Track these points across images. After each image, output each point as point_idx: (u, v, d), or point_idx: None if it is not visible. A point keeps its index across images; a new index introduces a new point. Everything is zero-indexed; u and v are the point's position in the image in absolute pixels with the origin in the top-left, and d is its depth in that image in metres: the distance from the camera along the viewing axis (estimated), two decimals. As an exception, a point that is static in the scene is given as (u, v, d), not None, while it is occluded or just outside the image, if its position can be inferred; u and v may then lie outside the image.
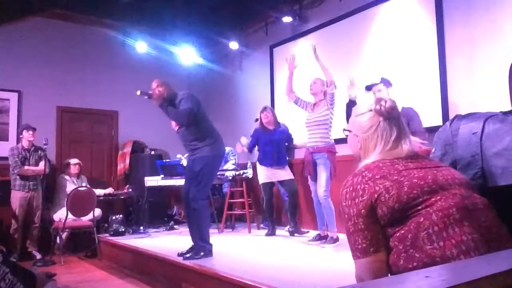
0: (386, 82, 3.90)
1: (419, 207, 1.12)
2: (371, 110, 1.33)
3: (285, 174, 4.96)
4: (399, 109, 3.99)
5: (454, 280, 0.59)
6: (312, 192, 4.41)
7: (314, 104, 4.46)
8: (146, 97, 3.90)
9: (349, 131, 1.41)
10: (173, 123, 4.00)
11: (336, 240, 4.25)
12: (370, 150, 1.32)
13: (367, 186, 1.18)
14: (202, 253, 3.68)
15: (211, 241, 3.86)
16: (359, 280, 1.22)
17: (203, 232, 3.76)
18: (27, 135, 5.31)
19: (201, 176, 3.72)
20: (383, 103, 1.31)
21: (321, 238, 4.41)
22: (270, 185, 5.08)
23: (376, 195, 1.16)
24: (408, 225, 1.11)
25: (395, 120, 1.33)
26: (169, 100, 3.83)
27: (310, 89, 4.46)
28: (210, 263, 3.48)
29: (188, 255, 3.68)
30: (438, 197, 1.13)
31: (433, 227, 1.08)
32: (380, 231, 1.17)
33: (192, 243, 3.78)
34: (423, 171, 1.21)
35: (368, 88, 3.94)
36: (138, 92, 3.89)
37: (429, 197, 1.13)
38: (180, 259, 3.70)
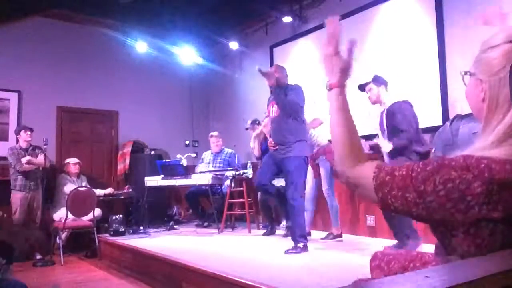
0: (377, 80, 3.88)
1: None
2: (511, 41, 0.86)
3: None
4: (390, 105, 3.82)
5: (454, 280, 0.59)
6: (309, 189, 4.75)
7: None
8: (263, 73, 4.01)
9: (470, 73, 0.94)
10: (272, 109, 4.09)
11: (337, 236, 4.54)
12: (499, 106, 0.85)
13: (473, 202, 0.78)
14: (302, 247, 3.79)
15: (213, 241, 3.88)
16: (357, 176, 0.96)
17: (302, 228, 3.88)
18: (25, 135, 5.32)
19: (293, 177, 3.83)
20: None
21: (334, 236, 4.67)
22: None
23: (471, 230, 0.79)
24: None
25: None
26: (279, 85, 3.95)
27: None
28: (210, 263, 3.48)
29: (291, 250, 3.79)
30: None
31: None
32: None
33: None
34: None
35: (361, 87, 3.95)
36: (257, 67, 4.00)
37: None
38: (180, 259, 3.70)
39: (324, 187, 4.60)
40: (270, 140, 4.18)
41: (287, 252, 3.78)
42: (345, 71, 1.03)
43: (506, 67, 0.84)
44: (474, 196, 0.77)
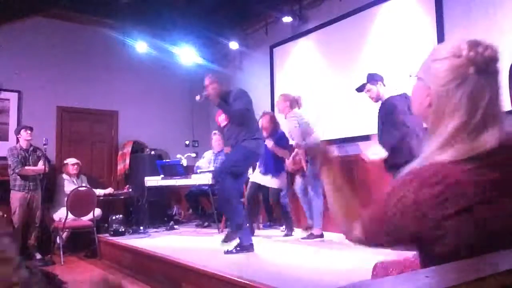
0: (373, 78, 3.86)
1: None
2: (459, 56, 0.92)
3: (271, 181, 4.91)
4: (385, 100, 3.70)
5: (454, 280, 0.59)
6: (296, 185, 4.76)
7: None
8: (203, 99, 4.03)
9: (418, 78, 1.02)
10: (220, 119, 4.11)
11: (317, 236, 4.52)
12: (446, 116, 0.91)
13: (433, 211, 0.83)
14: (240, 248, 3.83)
15: (213, 241, 3.90)
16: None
17: (237, 211, 3.85)
18: (25, 134, 5.30)
19: (234, 158, 3.82)
20: (480, 48, 0.91)
21: (307, 229, 4.69)
22: (256, 185, 5.00)
23: (437, 233, 0.84)
24: None
25: (492, 78, 0.91)
26: (223, 96, 3.96)
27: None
28: (210, 263, 3.48)
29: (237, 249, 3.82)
30: None
31: None
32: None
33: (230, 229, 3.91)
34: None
35: (359, 90, 3.94)
36: (198, 97, 4.02)
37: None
38: (180, 259, 3.70)
39: (309, 184, 4.57)
40: (225, 149, 4.23)
41: (228, 252, 3.78)
42: (325, 155, 1.14)
43: (453, 81, 0.90)
44: (426, 200, 0.83)
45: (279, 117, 4.99)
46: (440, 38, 4.39)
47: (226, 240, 3.74)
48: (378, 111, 3.78)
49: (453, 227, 0.82)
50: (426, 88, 0.96)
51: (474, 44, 0.92)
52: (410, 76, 1.03)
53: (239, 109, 3.85)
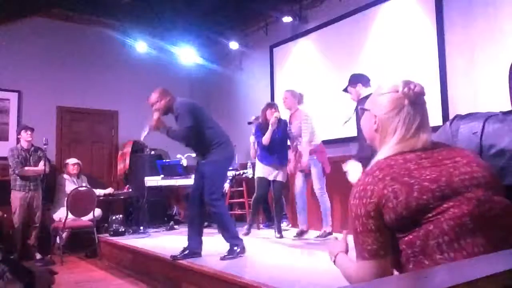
0: (351, 81, 4.00)
1: (430, 214, 1.05)
2: (397, 91, 1.21)
3: (280, 175, 4.81)
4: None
5: (454, 280, 0.59)
6: (297, 188, 4.77)
7: (291, 116, 4.75)
8: (148, 133, 4.00)
9: (367, 110, 1.30)
10: None
11: (328, 234, 4.60)
12: (388, 134, 1.20)
13: (376, 188, 1.09)
14: (238, 251, 3.67)
15: (213, 241, 3.88)
16: (359, 281, 1.15)
17: (231, 231, 3.78)
18: (25, 135, 5.31)
19: (212, 179, 3.70)
20: (412, 86, 1.21)
21: (302, 233, 4.71)
22: (267, 181, 4.87)
23: (384, 200, 1.07)
24: (417, 231, 1.05)
25: (420, 107, 1.21)
26: (168, 111, 3.85)
27: (284, 104, 4.77)
28: (209, 263, 3.48)
29: (227, 256, 3.64)
30: (451, 203, 1.05)
31: (443, 237, 1.02)
32: (391, 235, 1.11)
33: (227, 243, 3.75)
34: (437, 170, 1.10)
35: (345, 90, 4.06)
36: (142, 137, 4.05)
37: (440, 203, 1.05)
38: (180, 259, 3.70)
39: (316, 186, 4.60)
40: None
41: (223, 258, 3.60)
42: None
43: (393, 110, 1.20)
44: (369, 184, 1.10)
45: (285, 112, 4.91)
46: (440, 38, 4.39)
47: (229, 254, 3.63)
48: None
49: (391, 198, 1.06)
50: (373, 116, 1.25)
51: (407, 83, 1.22)
52: (360, 108, 1.37)
53: (179, 132, 3.71)
